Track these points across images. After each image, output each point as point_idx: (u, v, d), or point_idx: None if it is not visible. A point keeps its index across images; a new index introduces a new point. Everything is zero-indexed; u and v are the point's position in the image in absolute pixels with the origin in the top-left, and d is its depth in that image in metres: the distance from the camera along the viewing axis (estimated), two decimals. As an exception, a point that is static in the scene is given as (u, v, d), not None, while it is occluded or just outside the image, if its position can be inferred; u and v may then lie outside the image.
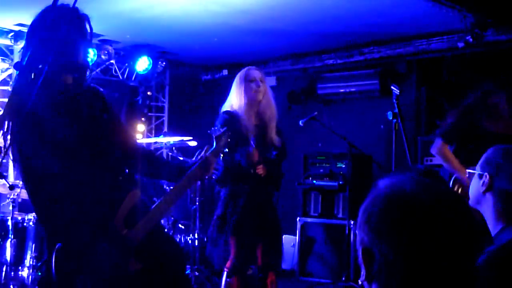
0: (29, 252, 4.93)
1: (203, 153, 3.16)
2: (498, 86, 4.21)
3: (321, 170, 6.91)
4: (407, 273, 1.14)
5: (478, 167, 2.22)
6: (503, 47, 5.99)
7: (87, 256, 2.55)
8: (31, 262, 4.88)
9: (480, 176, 2.18)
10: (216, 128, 3.41)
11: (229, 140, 3.35)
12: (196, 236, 6.04)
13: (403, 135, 3.91)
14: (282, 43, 7.01)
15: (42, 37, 2.54)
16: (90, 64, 2.78)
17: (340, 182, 6.60)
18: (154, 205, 2.88)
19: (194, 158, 5.53)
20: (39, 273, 4.76)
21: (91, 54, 2.83)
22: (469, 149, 4.17)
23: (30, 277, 4.85)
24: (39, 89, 2.32)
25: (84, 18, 2.67)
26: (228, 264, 4.30)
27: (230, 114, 4.29)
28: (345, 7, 5.53)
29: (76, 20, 2.63)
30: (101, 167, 2.69)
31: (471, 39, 5.49)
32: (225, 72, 8.17)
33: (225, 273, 4.30)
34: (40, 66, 2.42)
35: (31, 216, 4.96)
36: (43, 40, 2.53)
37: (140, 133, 7.78)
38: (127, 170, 2.82)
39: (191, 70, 8.35)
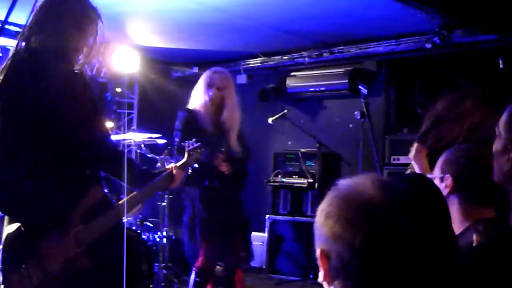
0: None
1: (171, 165, 3.14)
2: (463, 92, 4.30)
3: (290, 168, 6.95)
4: (362, 274, 1.13)
5: (437, 170, 2.24)
6: (469, 48, 6.09)
7: (36, 243, 2.52)
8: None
9: (442, 179, 2.20)
10: (189, 142, 3.41)
11: (200, 156, 3.37)
12: (164, 234, 6.01)
13: (371, 134, 3.95)
14: (253, 41, 7.01)
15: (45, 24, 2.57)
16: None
17: (309, 180, 6.64)
18: (116, 205, 2.85)
19: (162, 156, 5.53)
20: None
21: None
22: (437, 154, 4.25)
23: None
24: (30, 68, 2.33)
25: (98, 16, 2.75)
26: (196, 263, 4.30)
27: (190, 112, 4.31)
28: (316, 6, 5.55)
29: (93, 16, 2.72)
30: (71, 156, 2.65)
31: (438, 41, 5.57)
32: (195, 69, 8.14)
33: (194, 272, 4.30)
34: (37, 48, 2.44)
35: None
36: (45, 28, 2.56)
37: (109, 130, 7.71)
38: (94, 165, 2.79)
39: (161, 67, 8.30)
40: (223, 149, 4.31)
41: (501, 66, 5.70)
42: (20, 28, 3.10)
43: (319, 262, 1.20)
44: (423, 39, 6.09)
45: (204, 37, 6.84)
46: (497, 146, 1.65)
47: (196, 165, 3.35)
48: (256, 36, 6.76)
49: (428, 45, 5.74)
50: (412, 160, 4.36)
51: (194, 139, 3.50)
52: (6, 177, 2.54)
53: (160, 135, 6.08)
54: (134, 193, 2.92)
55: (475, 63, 6.16)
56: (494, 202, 2.17)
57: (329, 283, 1.18)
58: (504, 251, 1.30)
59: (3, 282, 2.46)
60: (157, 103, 7.90)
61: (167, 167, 3.14)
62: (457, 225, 2.17)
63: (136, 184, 2.92)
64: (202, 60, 7.96)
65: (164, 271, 5.83)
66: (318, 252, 1.20)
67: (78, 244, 2.61)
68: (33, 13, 2.63)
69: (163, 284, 5.76)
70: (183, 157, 3.30)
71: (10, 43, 6.19)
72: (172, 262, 6.11)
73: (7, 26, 5.63)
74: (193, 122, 4.28)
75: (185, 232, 4.38)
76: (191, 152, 3.34)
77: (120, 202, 2.88)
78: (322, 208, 1.21)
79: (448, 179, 2.17)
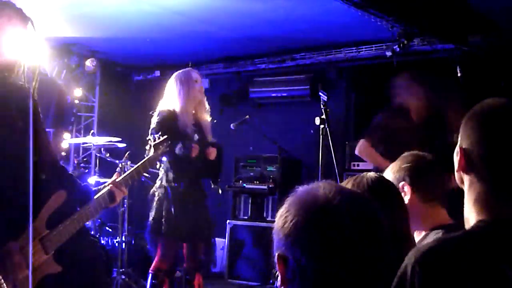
0: None
1: (111, 180, 3.07)
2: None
3: (251, 174, 6.96)
4: (319, 278, 1.15)
5: (394, 182, 2.27)
6: (428, 56, 6.21)
7: (2, 251, 2.48)
8: None
9: (402, 187, 2.23)
10: (154, 135, 3.39)
11: (167, 148, 3.34)
12: (123, 239, 5.95)
13: (329, 140, 4.00)
14: (215, 46, 7.02)
15: None
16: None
17: (270, 186, 6.67)
18: (78, 210, 2.82)
19: (123, 160, 5.47)
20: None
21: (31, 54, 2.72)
22: (388, 149, 4.36)
23: None
24: None
25: (27, 20, 2.62)
26: (152, 266, 4.26)
27: (169, 112, 4.28)
28: (277, 12, 5.59)
29: (16, 19, 2.59)
30: (26, 164, 2.60)
31: (398, 49, 5.66)
32: (157, 73, 8.10)
33: (150, 275, 4.26)
34: None
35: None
36: None
37: (68, 133, 7.60)
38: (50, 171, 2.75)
39: (122, 70, 8.23)
40: (198, 139, 4.30)
41: (458, 74, 5.84)
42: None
43: (277, 267, 1.21)
44: (383, 46, 6.19)
45: (166, 41, 6.81)
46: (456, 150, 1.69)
47: (164, 158, 3.33)
48: (218, 41, 6.76)
49: (388, 53, 5.83)
50: (361, 155, 4.45)
51: (160, 133, 3.48)
52: None
53: (120, 139, 6.02)
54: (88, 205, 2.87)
55: (433, 71, 6.28)
56: (440, 200, 2.22)
57: (287, 287, 1.19)
58: (454, 248, 1.33)
59: None
60: (118, 107, 7.82)
61: (106, 183, 3.02)
62: (417, 229, 2.21)
63: (77, 203, 2.89)
64: (164, 64, 7.92)
65: (123, 276, 5.77)
66: (276, 257, 1.22)
67: (45, 251, 2.58)
68: None
69: (121, 289, 5.69)
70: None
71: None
72: (131, 267, 6.04)
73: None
74: (171, 120, 4.25)
75: (148, 232, 4.33)
76: (157, 146, 3.32)
77: (83, 207, 2.84)
78: (280, 213, 1.24)
79: (405, 187, 2.21)
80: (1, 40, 2.57)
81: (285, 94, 7.32)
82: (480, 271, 1.28)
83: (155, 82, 7.99)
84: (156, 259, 4.26)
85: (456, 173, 1.48)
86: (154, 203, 4.31)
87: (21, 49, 2.62)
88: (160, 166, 4.30)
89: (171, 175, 4.25)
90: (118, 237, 5.95)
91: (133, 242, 6.24)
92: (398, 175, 2.24)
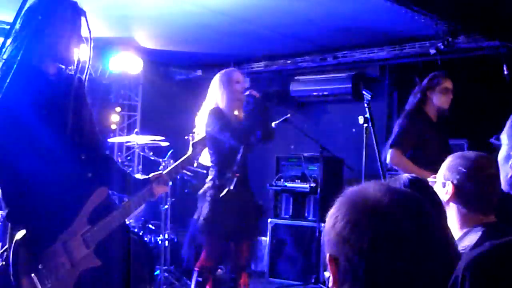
0: (-5, 251, 4.85)
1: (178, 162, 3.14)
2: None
3: (293, 173, 6.94)
4: (370, 278, 1.15)
5: (440, 175, 2.25)
6: (472, 54, 6.09)
7: (45, 247, 2.53)
8: (-3, 261, 4.80)
9: (443, 185, 2.20)
10: (193, 134, 3.41)
11: (205, 146, 3.36)
12: (166, 237, 6.01)
13: (374, 140, 3.96)
14: (256, 45, 7.03)
15: (33, 24, 2.56)
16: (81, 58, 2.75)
17: (312, 185, 6.64)
18: (120, 206, 2.87)
19: (166, 159, 5.53)
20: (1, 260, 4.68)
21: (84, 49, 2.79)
22: (417, 155, 4.34)
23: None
24: (16, 77, 2.35)
25: (81, 13, 2.69)
26: (198, 263, 4.29)
27: (220, 109, 4.30)
28: (319, 11, 5.56)
29: (71, 12, 2.67)
30: (72, 160, 2.67)
31: (442, 46, 5.57)
32: (199, 72, 8.16)
33: (196, 272, 4.29)
34: (19, 56, 2.46)
35: (-1, 213, 4.89)
36: (32, 27, 2.55)
37: (112, 132, 7.73)
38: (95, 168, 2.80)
39: (165, 70, 8.31)
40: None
41: (505, 72, 5.71)
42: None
43: (328, 267, 1.22)
44: (427, 44, 6.10)
45: (207, 40, 6.85)
46: (501, 154, 1.66)
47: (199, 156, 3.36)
48: (259, 40, 6.77)
49: (432, 50, 5.75)
50: (397, 166, 4.43)
51: (223, 131, 3.50)
52: (9, 185, 2.56)
53: (163, 138, 6.08)
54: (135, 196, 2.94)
55: (478, 69, 6.16)
56: (494, 210, 2.17)
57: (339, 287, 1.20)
58: (504, 255, 1.31)
59: (15, 286, 2.46)
60: (161, 106, 7.91)
61: (151, 174, 3.07)
62: (456, 230, 2.18)
63: (124, 192, 2.96)
64: (205, 63, 7.97)
65: (166, 274, 5.84)
66: (327, 257, 1.23)
67: (86, 245, 2.64)
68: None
69: (164, 287, 5.76)
70: None
71: None
72: (173, 265, 6.11)
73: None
74: (224, 116, 4.30)
75: (197, 231, 4.35)
76: (196, 144, 3.34)
77: (124, 203, 2.90)
78: (331, 213, 1.24)
79: (450, 186, 2.18)
80: (62, 33, 2.64)
81: (326, 93, 7.29)
82: None
83: (197, 81, 8.07)
84: (202, 257, 4.28)
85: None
86: (206, 203, 4.30)
87: (78, 42, 2.69)
88: (211, 166, 4.33)
89: (221, 174, 4.26)
90: (160, 235, 6.02)
91: (175, 240, 6.30)
92: (450, 174, 2.20)
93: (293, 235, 6.72)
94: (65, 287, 2.58)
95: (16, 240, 2.49)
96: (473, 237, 2.07)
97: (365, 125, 4.02)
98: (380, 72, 7.07)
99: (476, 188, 2.16)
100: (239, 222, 4.24)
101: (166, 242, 5.99)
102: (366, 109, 4.01)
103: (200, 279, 4.24)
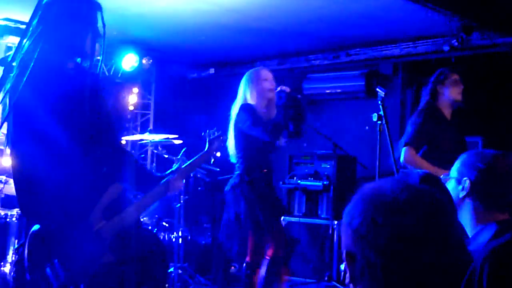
0: (11, 248, 4.89)
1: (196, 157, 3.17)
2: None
3: (306, 170, 6.92)
4: (388, 274, 1.15)
5: (454, 172, 2.23)
6: (487, 51, 6.05)
7: (60, 242, 2.55)
8: (13, 258, 4.85)
9: (459, 182, 2.19)
10: (209, 131, 3.42)
11: (222, 144, 3.37)
12: (180, 234, 6.03)
13: (388, 137, 3.94)
14: (269, 43, 7.03)
15: (50, 19, 2.58)
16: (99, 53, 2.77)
17: (325, 183, 6.62)
18: (134, 202, 2.88)
19: (179, 157, 5.55)
20: (17, 256, 4.73)
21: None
22: (431, 153, 4.33)
23: (12, 273, 4.81)
24: (33, 72, 2.36)
25: (97, 7, 2.71)
26: (268, 252, 4.29)
27: (251, 106, 4.33)
28: (332, 8, 5.55)
29: (87, 7, 2.69)
30: (87, 155, 2.68)
31: (456, 43, 5.54)
32: (212, 70, 8.16)
33: (266, 262, 4.28)
34: (36, 52, 2.48)
35: (14, 212, 4.93)
36: (49, 22, 2.58)
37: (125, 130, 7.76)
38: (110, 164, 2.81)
39: (178, 68, 8.33)
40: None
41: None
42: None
43: (346, 264, 1.22)
44: (440, 41, 6.06)
45: (220, 39, 6.86)
46: None
47: (217, 154, 3.37)
48: (272, 38, 6.77)
49: (446, 47, 5.71)
50: (410, 164, 4.42)
51: (215, 128, 3.52)
52: (25, 180, 2.58)
53: (176, 136, 6.10)
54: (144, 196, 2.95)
55: (492, 66, 6.12)
56: (509, 208, 2.16)
57: (356, 284, 1.20)
58: None
59: (30, 280, 2.49)
60: (173, 104, 7.93)
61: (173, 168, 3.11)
62: (471, 227, 2.16)
63: (142, 189, 2.97)
64: (218, 61, 7.98)
65: (180, 271, 5.86)
66: (344, 254, 1.23)
67: (101, 240, 2.65)
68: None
69: (178, 284, 5.78)
70: None
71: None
72: (187, 262, 6.13)
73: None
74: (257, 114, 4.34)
75: (229, 228, 4.38)
76: (212, 141, 3.35)
77: (139, 198, 2.92)
78: (348, 210, 1.24)
79: (466, 182, 2.17)
80: (79, 27, 2.67)
81: (339, 90, 7.27)
82: None
83: (209, 80, 8.08)
84: (248, 252, 4.31)
85: None
86: (240, 200, 4.31)
87: (94, 37, 2.72)
88: (237, 162, 4.35)
89: (250, 170, 4.28)
90: (174, 233, 6.04)
91: (189, 237, 6.32)
92: (466, 171, 2.19)
93: (306, 233, 6.71)
94: (79, 281, 2.60)
95: (31, 235, 2.51)
96: (487, 235, 2.06)
97: (379, 122, 4.00)
98: (393, 69, 7.04)
99: (494, 185, 2.15)
100: (274, 216, 4.31)
101: (180, 240, 6.01)
102: (380, 106, 3.99)
103: (248, 271, 4.27)
